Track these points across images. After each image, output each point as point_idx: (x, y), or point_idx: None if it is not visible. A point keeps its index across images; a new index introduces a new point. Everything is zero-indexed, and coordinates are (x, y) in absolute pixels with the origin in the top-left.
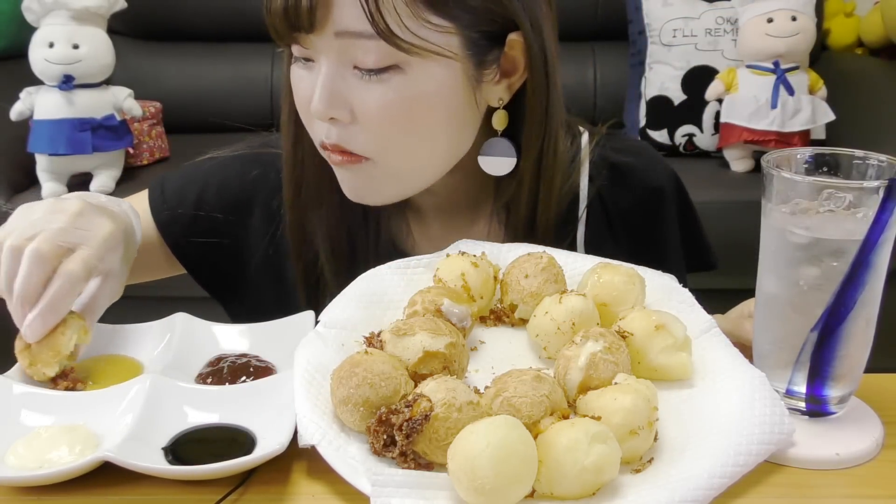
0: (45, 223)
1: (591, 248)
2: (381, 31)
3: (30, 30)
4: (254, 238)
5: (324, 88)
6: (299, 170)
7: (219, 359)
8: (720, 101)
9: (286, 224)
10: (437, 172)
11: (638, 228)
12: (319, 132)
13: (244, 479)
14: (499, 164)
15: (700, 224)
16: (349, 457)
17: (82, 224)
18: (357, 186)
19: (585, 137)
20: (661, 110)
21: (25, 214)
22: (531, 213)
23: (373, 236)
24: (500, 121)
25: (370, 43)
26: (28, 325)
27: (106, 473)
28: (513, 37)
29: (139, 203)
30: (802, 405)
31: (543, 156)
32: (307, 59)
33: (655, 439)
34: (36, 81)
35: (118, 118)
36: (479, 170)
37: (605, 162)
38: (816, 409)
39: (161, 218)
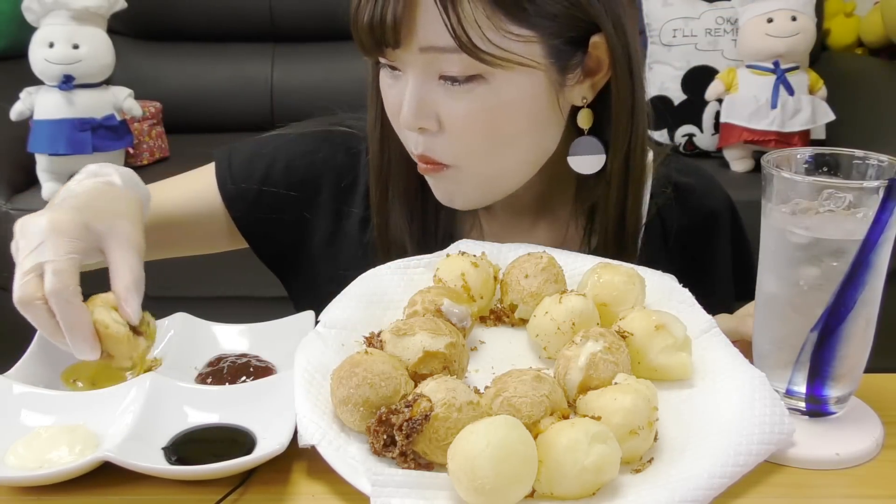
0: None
1: (645, 265)
2: (464, 45)
3: (30, 30)
4: (318, 217)
5: (412, 100)
6: (385, 170)
7: (219, 359)
8: (720, 101)
9: (374, 223)
10: (524, 176)
11: (691, 250)
12: (409, 142)
13: (244, 479)
14: (588, 162)
15: (751, 253)
16: (349, 457)
17: (31, 240)
18: (446, 191)
19: (650, 155)
20: (661, 110)
21: None
22: (620, 214)
23: (442, 227)
24: (585, 119)
25: (454, 56)
26: (77, 353)
27: (106, 473)
28: (595, 38)
29: (205, 174)
30: (802, 405)
31: (631, 153)
32: (394, 68)
33: (655, 439)
34: (36, 81)
35: (118, 118)
36: (554, 170)
37: (668, 181)
38: (816, 409)
39: (227, 191)
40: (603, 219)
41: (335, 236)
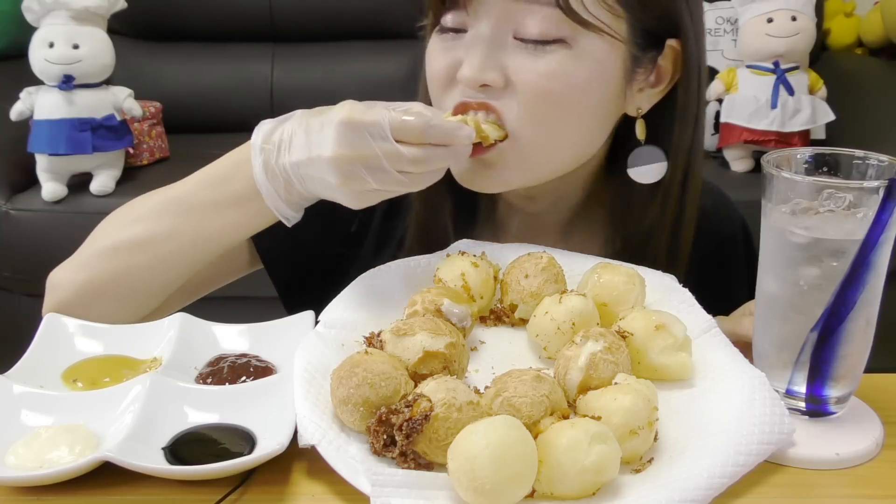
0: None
1: None
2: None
3: (30, 30)
4: (336, 230)
5: (479, 51)
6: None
7: (219, 359)
8: (720, 100)
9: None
10: (562, 167)
11: (705, 276)
12: (453, 100)
13: (244, 479)
14: (651, 171)
15: None
16: (349, 457)
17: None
18: (477, 170)
19: None
20: None
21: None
22: (674, 236)
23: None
24: (642, 129)
25: (541, 11)
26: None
27: (106, 473)
28: (671, 42)
29: None
30: (802, 405)
31: (691, 167)
32: (457, 31)
33: (655, 439)
34: (36, 81)
35: (118, 118)
36: (584, 193)
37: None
38: (816, 409)
39: None
40: (654, 246)
41: (354, 247)
